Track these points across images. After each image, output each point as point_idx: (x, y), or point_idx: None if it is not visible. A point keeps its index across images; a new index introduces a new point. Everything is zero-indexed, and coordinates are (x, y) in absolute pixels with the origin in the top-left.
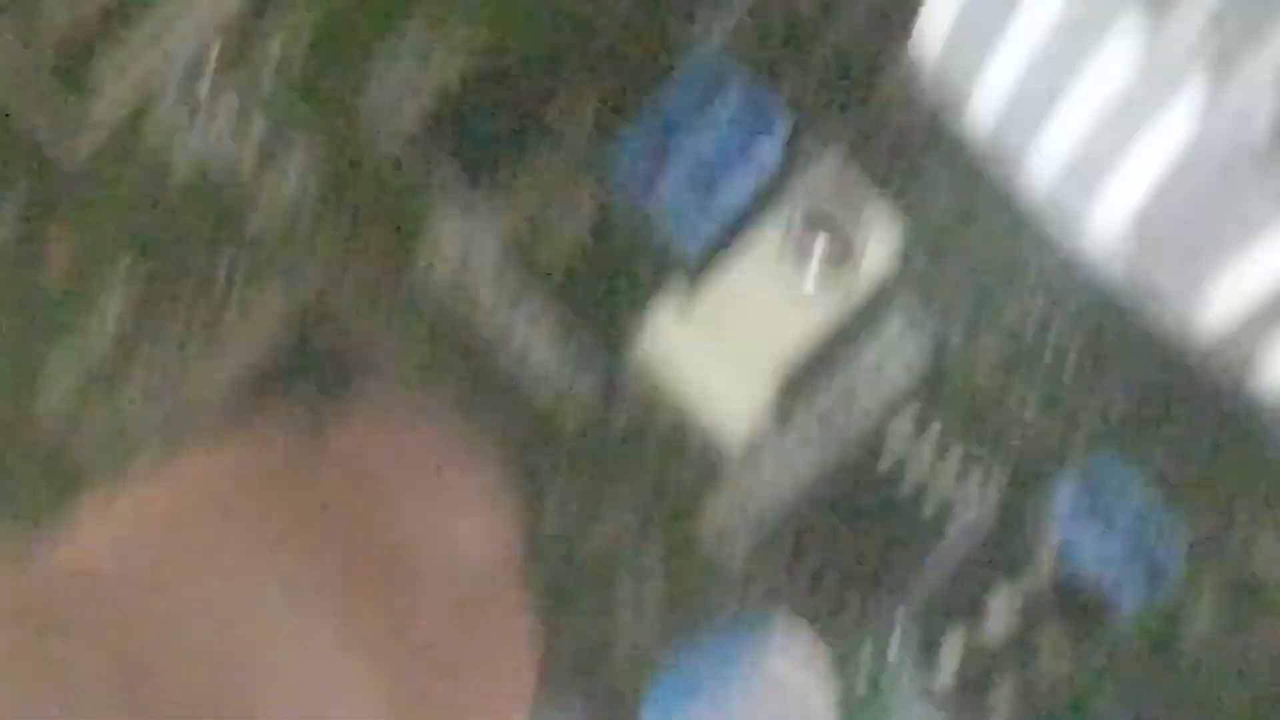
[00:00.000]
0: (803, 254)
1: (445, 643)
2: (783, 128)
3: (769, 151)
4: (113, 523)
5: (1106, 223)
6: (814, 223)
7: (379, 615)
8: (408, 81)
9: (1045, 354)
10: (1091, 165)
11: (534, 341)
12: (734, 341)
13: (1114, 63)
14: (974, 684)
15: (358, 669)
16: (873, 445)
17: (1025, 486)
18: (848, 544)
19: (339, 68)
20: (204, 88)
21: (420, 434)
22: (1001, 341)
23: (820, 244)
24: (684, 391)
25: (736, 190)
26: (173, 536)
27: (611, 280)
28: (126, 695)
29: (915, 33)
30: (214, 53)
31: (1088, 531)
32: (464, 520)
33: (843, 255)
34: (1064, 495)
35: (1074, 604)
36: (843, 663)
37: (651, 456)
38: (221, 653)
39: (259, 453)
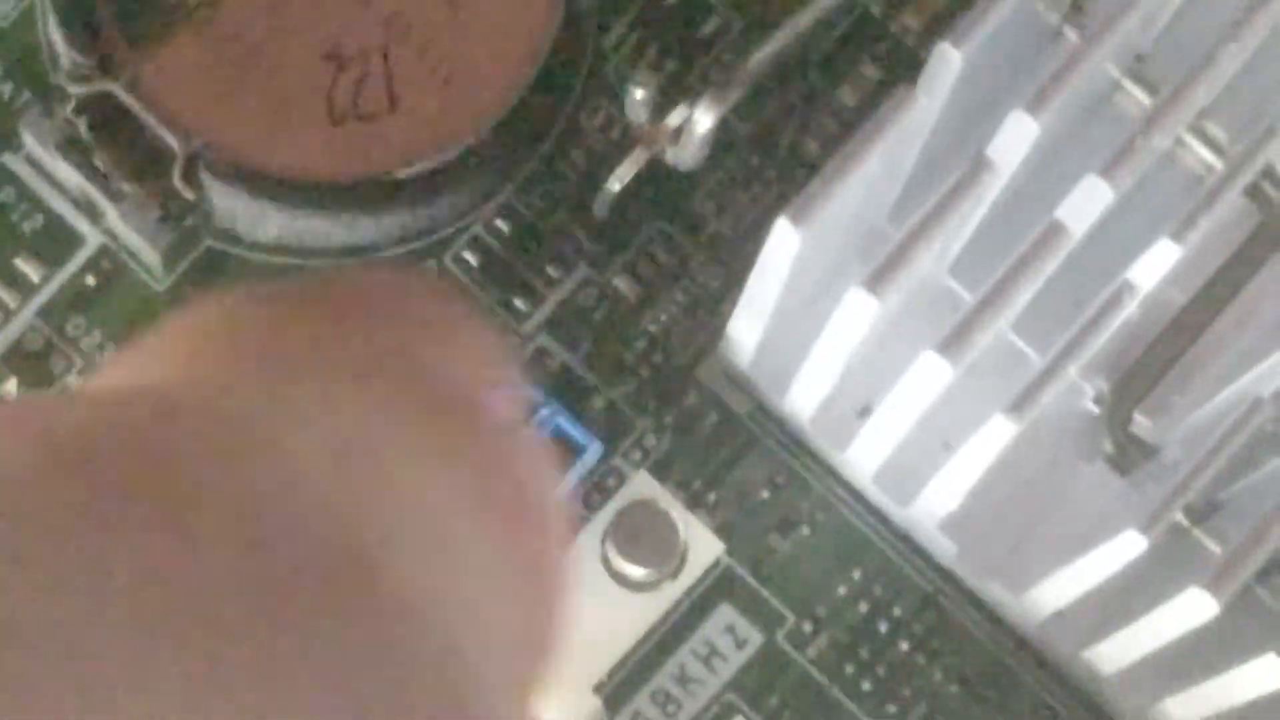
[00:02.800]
0: (622, 557)
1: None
2: (595, 441)
3: (582, 463)
4: (154, 356)
5: (928, 516)
6: (632, 528)
7: (483, 468)
8: None
9: (876, 644)
10: (907, 466)
11: None
12: None
13: (929, 371)
14: None
15: (480, 528)
16: None
17: None
18: None
19: None
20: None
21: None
22: (831, 632)
23: (639, 548)
24: None
25: None
26: (245, 367)
27: None
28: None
29: (726, 336)
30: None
31: None
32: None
33: (663, 558)
34: None
35: None
36: None
37: None
38: (340, 499)
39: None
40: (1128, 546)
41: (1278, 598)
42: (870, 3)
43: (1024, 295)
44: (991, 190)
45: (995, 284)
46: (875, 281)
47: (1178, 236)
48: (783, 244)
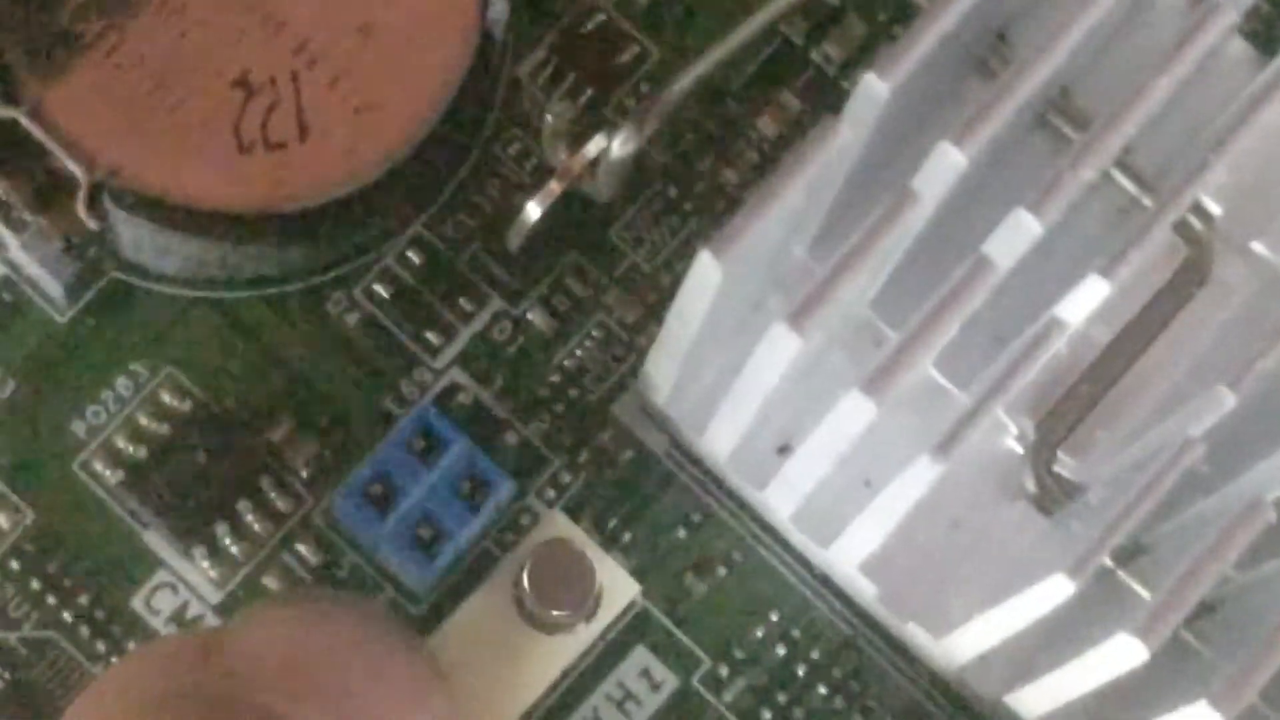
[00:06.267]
0: (536, 599)
1: None
2: (508, 480)
3: (494, 502)
4: None
5: (848, 557)
6: (546, 569)
7: None
8: (119, 430)
9: (794, 688)
10: (827, 505)
11: None
12: (468, 683)
13: (850, 414)
14: None
15: None
16: None
17: None
18: None
19: (46, 423)
20: None
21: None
22: (748, 676)
23: (553, 589)
24: None
25: (462, 538)
26: None
27: None
28: None
29: (642, 371)
30: None
31: None
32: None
33: (578, 599)
34: None
35: None
36: None
37: None
38: None
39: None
40: (1054, 591)
41: (1204, 641)
42: (791, 32)
43: (949, 331)
44: (917, 223)
45: (920, 320)
46: (798, 317)
47: (1107, 273)
48: (704, 277)
